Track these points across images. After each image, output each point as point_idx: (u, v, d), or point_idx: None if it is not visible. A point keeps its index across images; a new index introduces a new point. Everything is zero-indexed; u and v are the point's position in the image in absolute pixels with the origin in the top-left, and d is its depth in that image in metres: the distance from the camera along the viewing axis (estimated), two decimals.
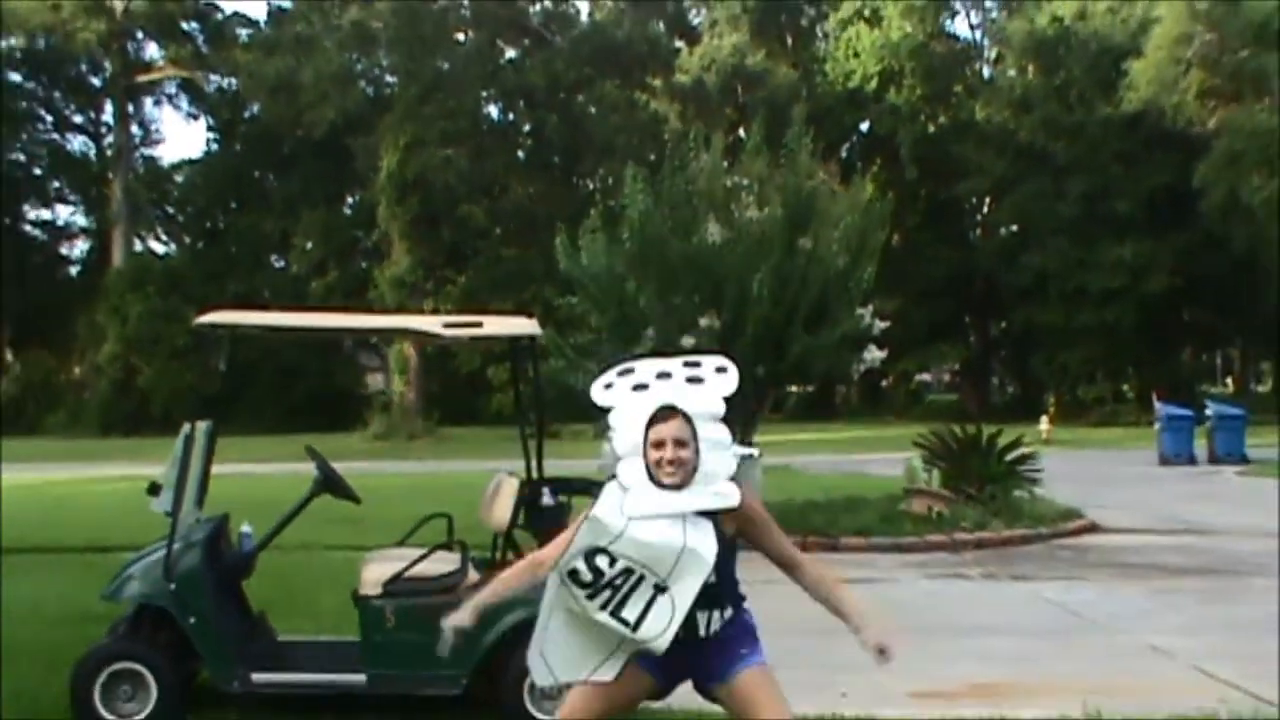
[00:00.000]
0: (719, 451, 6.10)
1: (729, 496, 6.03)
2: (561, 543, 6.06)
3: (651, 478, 5.98)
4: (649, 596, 5.88)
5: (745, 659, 6.17)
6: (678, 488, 5.95)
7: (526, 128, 75.57)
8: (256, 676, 9.11)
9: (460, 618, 6.06)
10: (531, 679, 9.04)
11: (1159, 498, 26.79)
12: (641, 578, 5.87)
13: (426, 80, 66.71)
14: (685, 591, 5.88)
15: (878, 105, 71.18)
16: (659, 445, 5.95)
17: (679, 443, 5.92)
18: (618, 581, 5.88)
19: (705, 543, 5.92)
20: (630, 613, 5.87)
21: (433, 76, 67.20)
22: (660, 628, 5.87)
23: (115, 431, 62.96)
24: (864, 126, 73.89)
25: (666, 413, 6.00)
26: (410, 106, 65.87)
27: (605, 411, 6.39)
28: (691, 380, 6.23)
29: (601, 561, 5.88)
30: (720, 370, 6.25)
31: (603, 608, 5.89)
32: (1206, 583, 16.57)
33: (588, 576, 5.90)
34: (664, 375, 6.25)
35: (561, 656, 6.09)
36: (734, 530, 6.14)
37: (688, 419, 6.00)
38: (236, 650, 9.19)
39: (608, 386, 6.32)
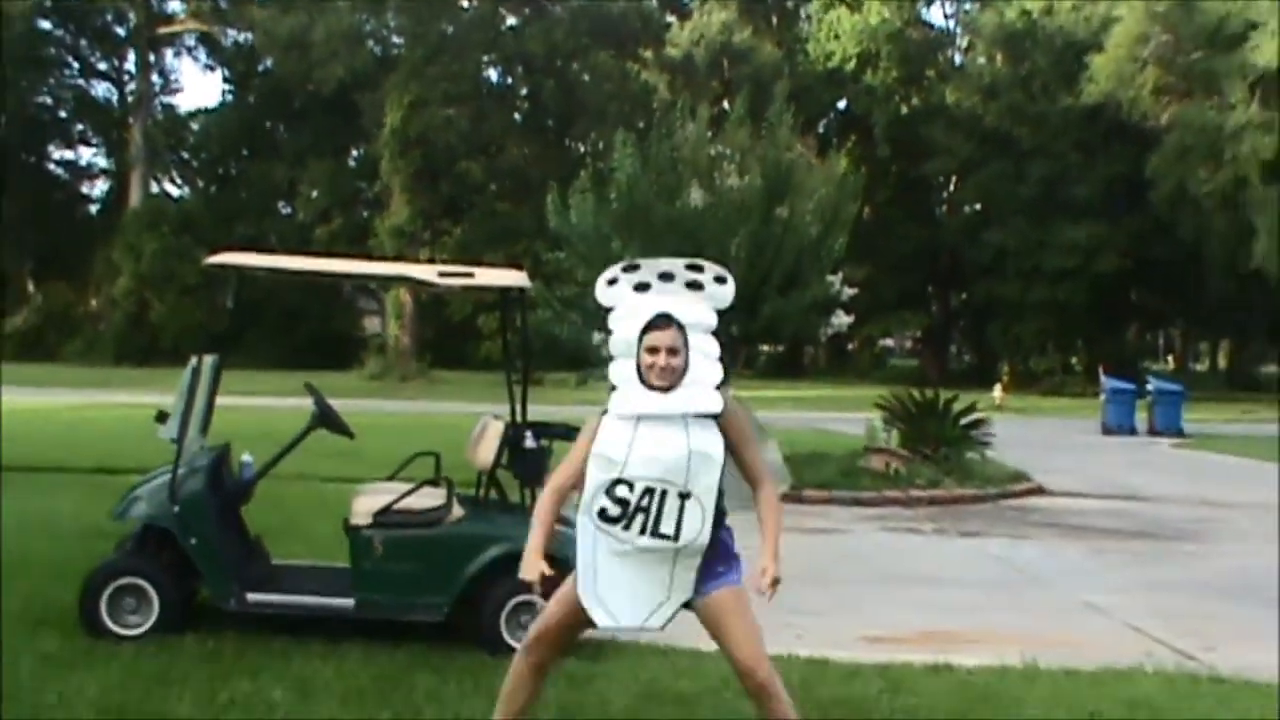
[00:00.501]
0: (708, 361, 6.17)
1: (714, 402, 6.10)
2: (572, 462, 6.18)
3: (642, 380, 6.05)
4: (678, 507, 5.97)
5: (721, 577, 6.16)
6: (666, 391, 6.02)
7: (524, 92, 75.42)
8: (252, 596, 9.11)
9: (538, 567, 6.00)
10: (521, 616, 9.16)
11: (1100, 465, 26.89)
12: (664, 492, 5.96)
13: (431, 43, 66.52)
14: (707, 490, 6.00)
15: (855, 85, 71.13)
16: (653, 351, 6.02)
17: (671, 351, 6.01)
18: (644, 503, 5.97)
19: (710, 440, 6.04)
20: (668, 527, 5.97)
21: (437, 39, 67.02)
22: (697, 528, 6.00)
23: (127, 361, 62.81)
24: (841, 105, 73.83)
25: (662, 321, 6.05)
26: (415, 67, 65.69)
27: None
28: (692, 285, 6.23)
29: (623, 491, 5.98)
30: (719, 280, 6.25)
31: (641, 532, 5.98)
32: (1140, 545, 16.66)
33: (616, 510, 5.99)
34: (666, 276, 6.23)
35: (621, 599, 6.12)
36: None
37: (681, 328, 6.06)
38: (234, 571, 9.19)
39: (611, 282, 6.23)
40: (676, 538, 5.97)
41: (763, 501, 6.26)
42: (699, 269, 6.25)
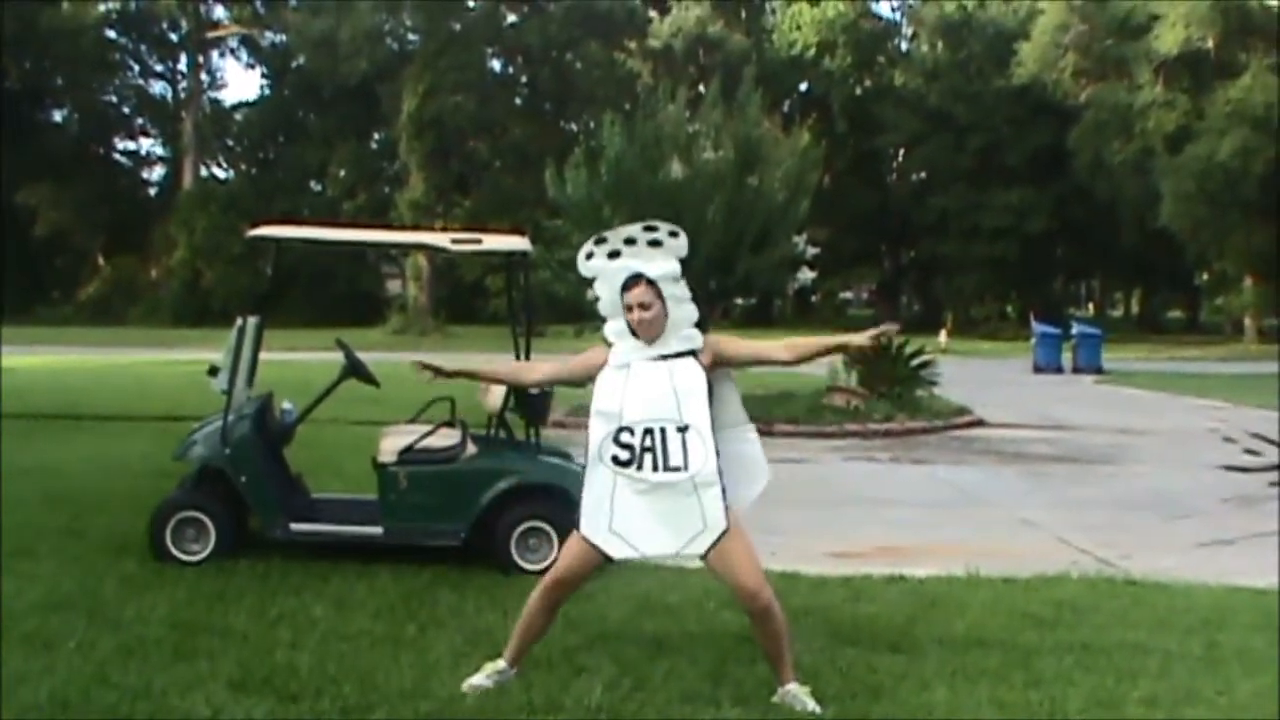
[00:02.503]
0: (681, 305, 6.25)
1: (693, 339, 6.22)
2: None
3: (633, 333, 6.13)
4: (680, 440, 5.99)
5: None
6: (652, 341, 6.12)
7: (524, 79, 75.22)
8: (295, 527, 9.14)
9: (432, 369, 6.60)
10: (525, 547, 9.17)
11: (1032, 399, 26.93)
12: (663, 429, 6.00)
13: (442, 38, 66.42)
14: (701, 420, 6.05)
15: (815, 70, 71.05)
16: (630, 309, 6.11)
17: (643, 305, 6.10)
18: (648, 443, 5.99)
19: (691, 374, 6.13)
20: (676, 459, 5.99)
21: (447, 35, 66.91)
22: (703, 456, 6.01)
23: (184, 323, 62.75)
24: (803, 87, 73.61)
25: (632, 281, 6.14)
26: (428, 60, 65.58)
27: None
28: (653, 244, 6.29)
29: (625, 437, 6.02)
30: (673, 234, 6.33)
31: (655, 469, 5.99)
32: (1067, 468, 16.70)
33: (625, 455, 6.02)
34: (630, 241, 6.27)
35: (648, 530, 6.10)
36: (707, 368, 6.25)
37: (652, 283, 6.14)
38: (279, 504, 9.21)
39: (589, 256, 6.28)
40: (686, 467, 5.97)
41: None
42: (654, 229, 6.32)
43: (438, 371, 6.68)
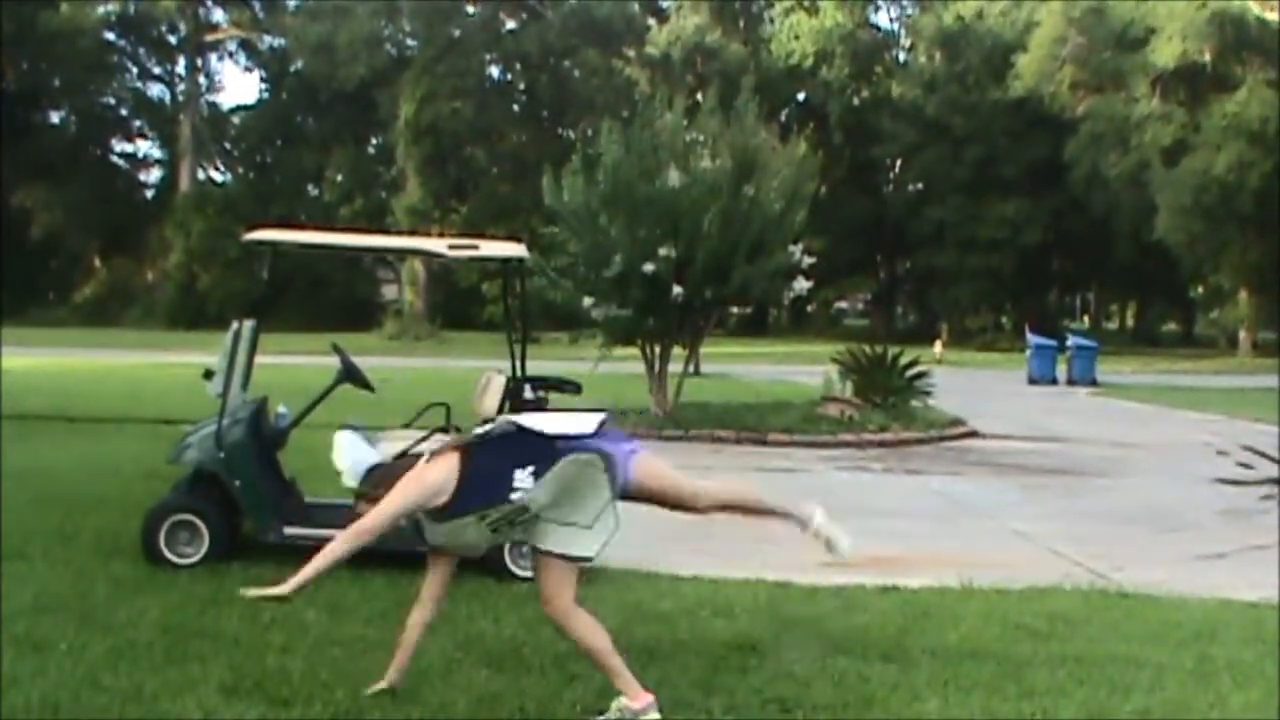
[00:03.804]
0: None
1: None
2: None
3: None
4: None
5: None
6: None
7: (521, 86, 75.32)
8: (289, 530, 9.14)
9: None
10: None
11: (1026, 411, 26.96)
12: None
13: (440, 44, 66.63)
14: None
15: (812, 80, 71.15)
16: None
17: None
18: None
19: None
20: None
21: (445, 41, 67.15)
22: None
23: (179, 326, 62.78)
24: (800, 97, 73.69)
25: None
26: (426, 66, 65.77)
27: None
28: None
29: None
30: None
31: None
32: (1060, 480, 16.70)
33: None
34: None
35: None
36: None
37: None
38: (273, 508, 9.22)
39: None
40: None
41: None
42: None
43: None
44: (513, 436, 6.00)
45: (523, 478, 5.80)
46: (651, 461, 6.24)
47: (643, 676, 6.62)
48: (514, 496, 5.79)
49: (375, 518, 5.88)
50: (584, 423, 6.10)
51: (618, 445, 6.12)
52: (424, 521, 6.06)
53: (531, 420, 6.10)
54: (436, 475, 5.91)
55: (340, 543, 5.88)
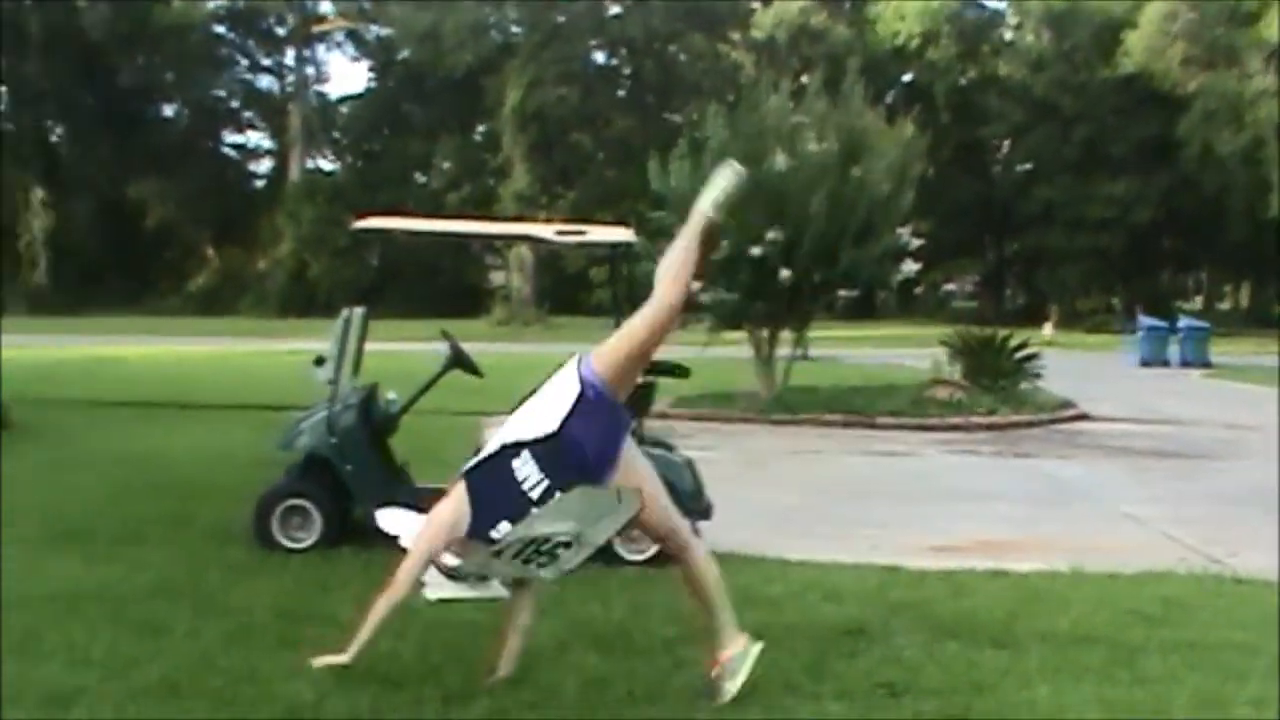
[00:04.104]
0: None
1: None
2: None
3: None
4: None
5: None
6: None
7: (627, 71, 75.49)
8: None
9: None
10: None
11: (1137, 393, 26.62)
12: None
13: (545, 30, 66.82)
14: None
15: (919, 60, 70.69)
16: None
17: None
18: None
19: None
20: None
21: (551, 27, 67.31)
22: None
23: (290, 313, 63.51)
24: (907, 78, 73.12)
25: None
26: (532, 52, 66.01)
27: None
28: None
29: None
30: None
31: None
32: (1173, 463, 16.49)
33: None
34: None
35: None
36: None
37: None
38: (383, 493, 9.26)
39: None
40: None
41: None
42: None
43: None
44: (506, 451, 5.95)
45: (531, 481, 5.76)
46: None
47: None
48: (534, 497, 5.72)
49: (407, 571, 5.87)
50: (542, 423, 5.92)
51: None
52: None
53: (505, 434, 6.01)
54: (447, 509, 5.94)
55: (384, 602, 5.89)
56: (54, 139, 76.73)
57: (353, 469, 9.22)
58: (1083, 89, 64.26)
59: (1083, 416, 21.51)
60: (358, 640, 5.88)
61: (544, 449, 5.77)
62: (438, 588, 6.07)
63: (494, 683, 6.15)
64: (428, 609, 7.30)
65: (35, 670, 6.19)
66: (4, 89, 73.37)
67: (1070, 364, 32.00)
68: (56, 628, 6.85)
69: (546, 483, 5.71)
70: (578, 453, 5.77)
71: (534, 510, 5.63)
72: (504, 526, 5.68)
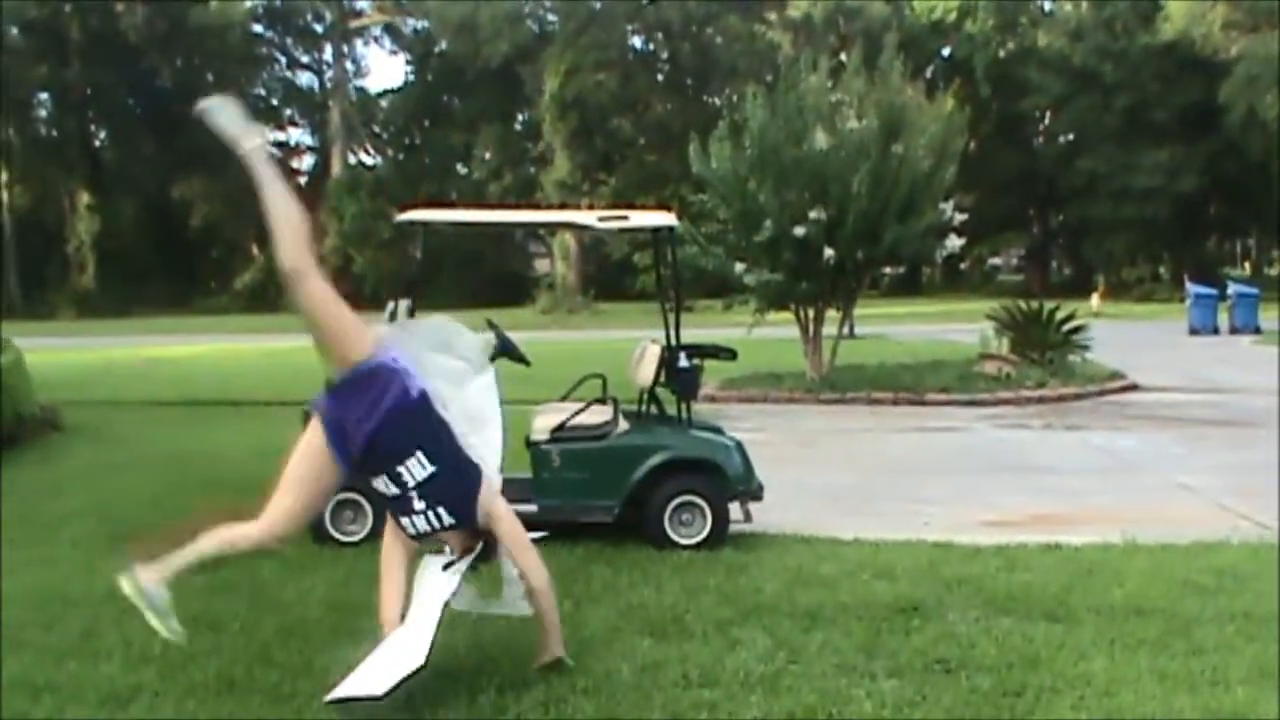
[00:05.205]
0: None
1: None
2: None
3: None
4: None
5: None
6: None
7: (665, 55, 75.35)
8: None
9: None
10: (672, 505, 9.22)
11: (1188, 362, 26.45)
12: None
13: (582, 18, 66.80)
14: None
15: (956, 34, 70.29)
16: None
17: None
18: None
19: None
20: None
21: (587, 14, 67.29)
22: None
23: None
24: (945, 52, 72.77)
25: None
26: (569, 39, 66.01)
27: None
28: None
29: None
30: None
31: None
32: (1225, 432, 16.38)
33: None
34: None
35: None
36: None
37: None
38: None
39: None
40: None
41: None
42: None
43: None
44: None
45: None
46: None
47: (806, 639, 6.64)
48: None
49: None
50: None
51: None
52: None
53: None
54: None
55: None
56: (97, 143, 77.24)
57: None
58: (1123, 57, 63.71)
59: (1133, 387, 21.40)
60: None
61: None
62: (463, 600, 6.19)
63: (546, 665, 6.20)
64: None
65: (94, 669, 6.26)
66: (47, 95, 74.06)
67: (1119, 334, 31.83)
68: (114, 627, 6.92)
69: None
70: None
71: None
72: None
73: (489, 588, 6.72)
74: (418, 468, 5.83)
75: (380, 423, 5.74)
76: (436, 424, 5.95)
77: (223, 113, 6.23)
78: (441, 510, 5.90)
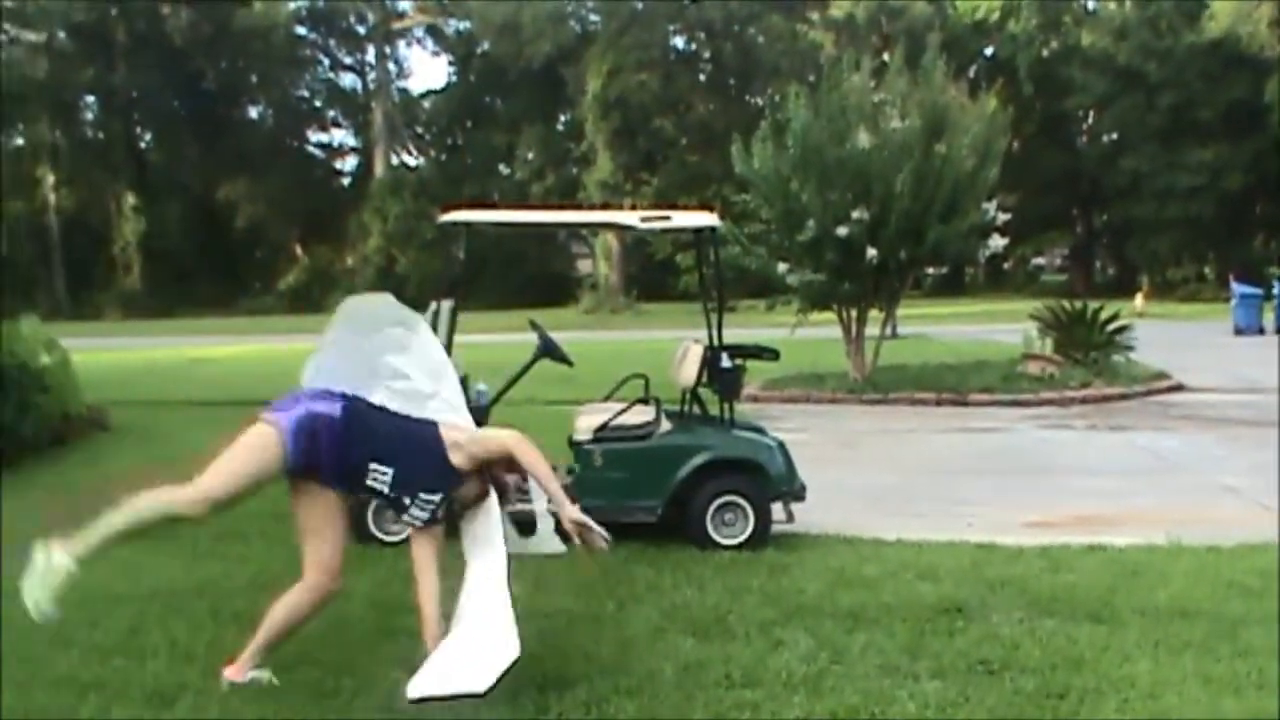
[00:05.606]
0: None
1: None
2: None
3: None
4: None
5: None
6: None
7: (706, 55, 75.35)
8: None
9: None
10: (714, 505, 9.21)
11: (1233, 362, 26.28)
12: None
13: (624, 17, 66.90)
14: None
15: (999, 33, 70.06)
16: None
17: None
18: None
19: None
20: None
21: (629, 14, 67.41)
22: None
23: None
24: (988, 51, 72.55)
25: None
26: (611, 40, 66.12)
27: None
28: None
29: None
30: None
31: None
32: (1270, 433, 16.20)
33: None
34: None
35: None
36: None
37: None
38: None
39: None
40: None
41: None
42: None
43: None
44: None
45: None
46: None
47: (849, 640, 6.64)
48: None
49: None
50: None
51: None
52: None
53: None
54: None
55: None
56: (143, 145, 77.80)
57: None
58: (1168, 55, 63.30)
59: (1178, 387, 21.29)
60: None
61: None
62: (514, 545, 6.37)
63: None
64: (522, 599, 7.35)
65: (140, 667, 6.30)
66: (93, 98, 74.67)
67: (1163, 334, 31.67)
68: (159, 625, 6.96)
69: None
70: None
71: None
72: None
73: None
74: (380, 475, 5.95)
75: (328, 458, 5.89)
76: (373, 424, 6.04)
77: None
78: (423, 495, 6.01)
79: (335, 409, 5.97)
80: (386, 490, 5.98)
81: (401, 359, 6.52)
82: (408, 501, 6.01)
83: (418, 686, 5.49)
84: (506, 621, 5.65)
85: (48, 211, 71.58)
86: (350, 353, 6.48)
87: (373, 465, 5.93)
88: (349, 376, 6.33)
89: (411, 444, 6.01)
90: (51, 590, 5.61)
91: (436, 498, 6.01)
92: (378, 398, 6.27)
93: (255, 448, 5.86)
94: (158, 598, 7.45)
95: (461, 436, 6.16)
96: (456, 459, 6.05)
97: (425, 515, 6.05)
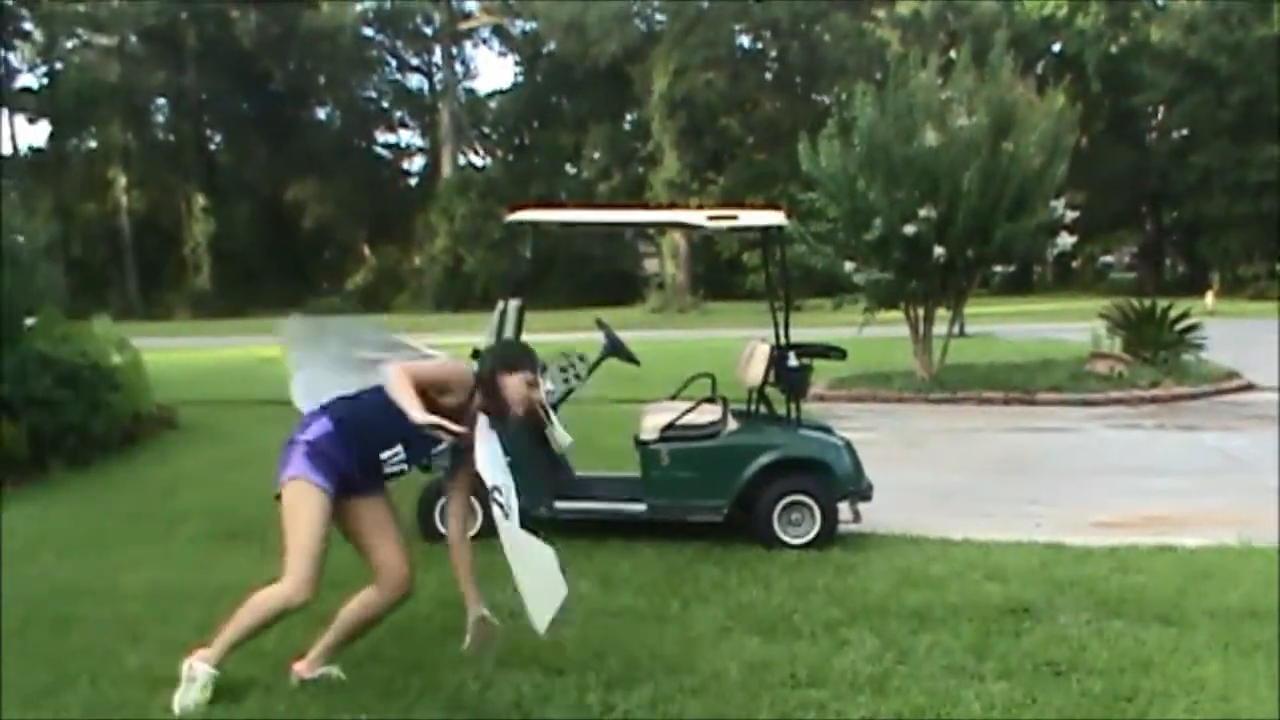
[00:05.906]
0: None
1: None
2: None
3: None
4: None
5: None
6: None
7: (773, 53, 75.28)
8: (559, 504, 9.30)
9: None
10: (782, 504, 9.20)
11: None
12: None
13: (690, 17, 66.92)
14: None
15: (1067, 29, 69.57)
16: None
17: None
18: None
19: None
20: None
21: (695, 13, 67.44)
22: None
23: (446, 308, 64.44)
24: (1056, 48, 72.07)
25: None
26: (677, 39, 66.15)
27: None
28: None
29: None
30: None
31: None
32: None
33: None
34: None
35: None
36: None
37: None
38: (544, 483, 9.35)
39: None
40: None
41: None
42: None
43: None
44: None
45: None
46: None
47: (914, 640, 6.62)
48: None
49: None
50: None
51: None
52: None
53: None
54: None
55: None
56: (213, 147, 78.51)
57: (513, 459, 9.28)
58: (1238, 49, 62.67)
59: (1248, 387, 21.07)
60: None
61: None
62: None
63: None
64: (589, 597, 7.38)
65: None
66: (164, 101, 75.37)
67: (1233, 333, 31.36)
68: (229, 621, 7.02)
69: None
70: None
71: None
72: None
73: None
74: (396, 458, 6.08)
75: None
76: (362, 415, 6.03)
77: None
78: (415, 449, 6.12)
79: (326, 425, 5.96)
80: (406, 468, 6.11)
81: (361, 347, 6.63)
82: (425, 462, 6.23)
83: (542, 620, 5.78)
84: (547, 561, 6.00)
85: (119, 213, 72.42)
86: (319, 363, 6.68)
87: (383, 455, 6.01)
88: (333, 384, 6.31)
89: (392, 413, 5.86)
90: (198, 689, 5.81)
91: (442, 443, 6.06)
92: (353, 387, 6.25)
93: (300, 507, 5.82)
94: (228, 593, 7.49)
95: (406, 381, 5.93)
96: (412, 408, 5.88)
97: (410, 466, 6.18)
